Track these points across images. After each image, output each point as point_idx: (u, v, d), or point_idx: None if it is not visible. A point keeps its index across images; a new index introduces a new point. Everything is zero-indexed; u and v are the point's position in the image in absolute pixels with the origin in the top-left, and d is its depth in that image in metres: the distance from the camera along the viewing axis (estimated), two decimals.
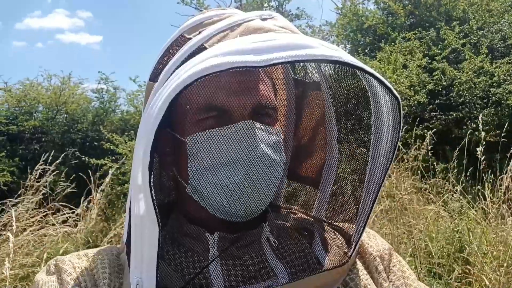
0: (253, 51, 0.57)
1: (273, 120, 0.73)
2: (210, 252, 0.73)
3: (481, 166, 4.01)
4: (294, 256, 0.77)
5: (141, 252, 0.61)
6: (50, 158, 4.74)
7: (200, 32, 0.71)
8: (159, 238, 0.59)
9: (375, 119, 0.75)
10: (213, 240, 0.73)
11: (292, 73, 0.85)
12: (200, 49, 0.67)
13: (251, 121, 0.68)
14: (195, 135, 0.68)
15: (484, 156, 3.97)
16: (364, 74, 0.67)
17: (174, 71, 0.62)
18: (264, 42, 0.59)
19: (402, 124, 0.73)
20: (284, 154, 0.74)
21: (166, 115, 0.57)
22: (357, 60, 0.63)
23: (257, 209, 0.71)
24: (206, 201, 0.70)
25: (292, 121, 0.86)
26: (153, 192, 0.58)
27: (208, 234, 0.74)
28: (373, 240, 0.86)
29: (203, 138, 0.67)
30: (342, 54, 0.62)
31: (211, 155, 0.67)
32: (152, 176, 0.57)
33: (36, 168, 4.61)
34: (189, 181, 0.70)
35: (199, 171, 0.68)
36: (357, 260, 0.80)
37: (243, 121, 0.67)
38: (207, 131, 0.67)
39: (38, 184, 4.49)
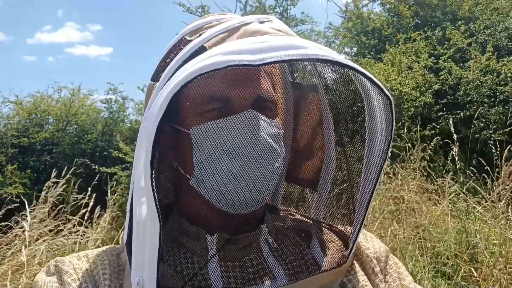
0: (250, 51, 0.60)
1: (273, 114, 0.75)
2: (210, 253, 0.73)
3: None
4: (292, 257, 0.77)
5: (142, 252, 0.61)
6: (61, 169, 4.82)
7: (200, 35, 0.74)
8: (160, 237, 0.59)
9: (369, 119, 0.76)
10: (213, 241, 0.74)
11: (290, 77, 0.87)
12: (201, 49, 0.70)
13: (253, 111, 0.69)
14: (200, 126, 0.69)
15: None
16: (357, 74, 0.68)
17: (175, 71, 0.64)
18: (260, 43, 0.62)
19: (394, 123, 0.73)
20: (283, 148, 0.75)
21: (167, 112, 0.58)
22: (348, 60, 0.66)
23: (258, 199, 0.71)
24: (209, 192, 0.70)
25: (290, 124, 0.87)
26: (155, 190, 0.58)
27: (208, 235, 0.74)
28: (369, 242, 0.86)
29: (208, 129, 0.69)
30: (333, 54, 0.65)
31: (216, 144, 0.68)
32: (153, 173, 0.58)
33: (48, 182, 4.68)
34: (194, 172, 0.70)
35: (204, 160, 0.69)
36: (354, 261, 0.81)
37: (246, 111, 0.69)
38: (211, 121, 0.69)
39: (49, 195, 4.55)
